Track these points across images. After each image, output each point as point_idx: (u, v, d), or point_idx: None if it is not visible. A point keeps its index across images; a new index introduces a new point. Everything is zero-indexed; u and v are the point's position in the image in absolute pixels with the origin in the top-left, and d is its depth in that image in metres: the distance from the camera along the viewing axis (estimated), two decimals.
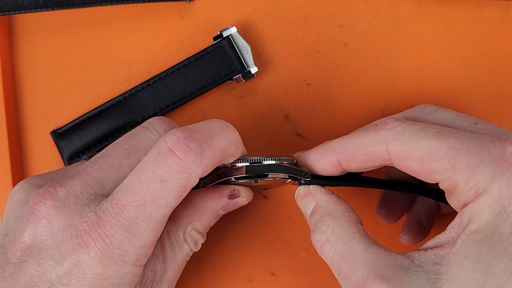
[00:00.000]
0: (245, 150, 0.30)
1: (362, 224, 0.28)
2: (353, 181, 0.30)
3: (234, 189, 0.31)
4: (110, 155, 0.28)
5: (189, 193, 0.29)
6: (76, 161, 0.36)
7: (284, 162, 0.30)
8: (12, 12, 0.34)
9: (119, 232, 0.25)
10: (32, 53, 0.37)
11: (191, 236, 0.30)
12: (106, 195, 0.27)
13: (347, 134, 0.36)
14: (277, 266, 0.36)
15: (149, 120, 0.29)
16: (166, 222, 0.27)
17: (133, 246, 0.26)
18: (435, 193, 0.30)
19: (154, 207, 0.25)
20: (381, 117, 0.36)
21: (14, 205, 0.28)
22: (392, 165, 0.27)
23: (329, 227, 0.27)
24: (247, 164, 0.29)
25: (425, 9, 0.36)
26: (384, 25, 0.36)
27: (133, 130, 0.29)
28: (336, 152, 0.28)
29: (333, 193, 0.29)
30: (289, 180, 0.30)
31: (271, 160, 0.30)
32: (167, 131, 0.28)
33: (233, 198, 0.31)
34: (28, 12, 0.34)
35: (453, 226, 0.25)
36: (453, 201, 0.26)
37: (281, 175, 0.30)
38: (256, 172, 0.29)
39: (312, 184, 0.30)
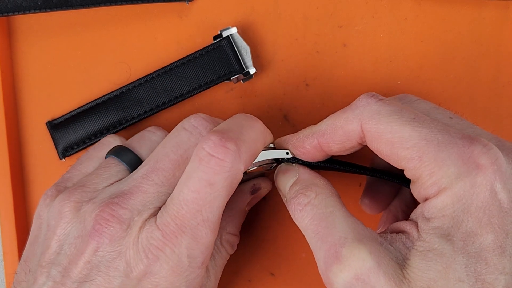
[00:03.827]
0: (271, 135, 0.31)
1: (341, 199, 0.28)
2: (334, 164, 0.30)
3: (254, 184, 0.33)
4: (162, 169, 0.28)
5: None
6: (71, 154, 0.36)
7: (264, 148, 0.30)
8: (11, 13, 0.34)
9: (184, 241, 0.26)
10: (31, 54, 0.37)
11: (227, 240, 0.31)
12: (163, 205, 0.28)
13: None
14: (277, 267, 0.36)
15: (192, 121, 0.30)
16: (220, 220, 0.28)
17: (198, 251, 0.27)
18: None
19: (209, 211, 0.27)
20: None
21: (64, 224, 0.28)
22: (366, 144, 0.27)
23: (313, 192, 0.28)
24: None
25: (424, 9, 0.36)
26: (383, 25, 0.36)
27: (177, 135, 0.29)
28: (316, 135, 0.28)
29: (314, 170, 0.30)
30: (275, 164, 0.31)
31: None
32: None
33: (256, 193, 0.33)
34: (27, 13, 0.34)
35: (417, 216, 0.25)
36: (415, 191, 0.26)
37: (266, 160, 0.30)
38: None
39: (294, 162, 0.30)
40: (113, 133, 0.35)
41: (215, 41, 0.35)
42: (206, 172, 0.26)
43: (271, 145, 0.31)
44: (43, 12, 0.34)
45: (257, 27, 0.36)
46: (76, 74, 0.37)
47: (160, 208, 0.28)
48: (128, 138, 0.33)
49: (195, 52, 0.35)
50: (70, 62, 0.37)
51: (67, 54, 0.37)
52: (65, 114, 0.36)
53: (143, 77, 0.35)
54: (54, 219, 0.29)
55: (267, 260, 0.36)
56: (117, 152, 0.31)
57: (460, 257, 0.23)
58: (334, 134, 0.28)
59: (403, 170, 0.26)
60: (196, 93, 0.35)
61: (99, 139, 0.35)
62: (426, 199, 0.25)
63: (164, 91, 0.35)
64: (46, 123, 0.36)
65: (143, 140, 0.32)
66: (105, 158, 0.32)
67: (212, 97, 0.36)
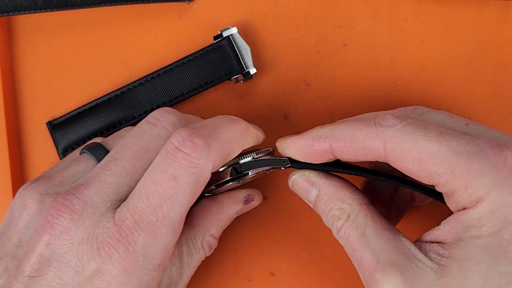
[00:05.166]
0: (260, 135, 0.30)
1: (370, 204, 0.28)
2: (340, 167, 0.29)
3: (248, 194, 0.33)
4: (121, 159, 0.28)
5: (206, 201, 0.31)
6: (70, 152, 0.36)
7: (261, 155, 0.30)
8: (11, 13, 0.34)
9: (140, 238, 0.25)
10: (31, 54, 0.37)
11: (208, 242, 0.31)
12: (122, 200, 0.27)
13: None
14: (277, 267, 0.36)
15: (155, 114, 0.29)
16: (183, 223, 0.27)
17: (155, 250, 0.26)
18: (426, 189, 0.29)
19: (171, 207, 0.26)
20: None
21: (26, 216, 0.27)
22: (386, 161, 0.27)
23: (343, 212, 0.28)
24: (225, 167, 0.30)
25: (424, 9, 0.36)
26: (383, 25, 0.36)
27: (140, 127, 0.29)
28: (330, 139, 0.27)
29: (333, 175, 0.29)
30: (272, 169, 0.30)
31: (248, 156, 0.29)
32: (174, 125, 0.29)
33: (248, 203, 0.32)
34: (27, 13, 0.34)
35: (450, 223, 0.25)
36: (451, 204, 0.26)
37: (262, 169, 0.30)
38: (235, 174, 0.30)
39: (293, 167, 0.29)
40: (114, 133, 0.35)
41: (215, 41, 0.35)
42: (171, 165, 0.26)
43: (271, 149, 0.30)
44: (43, 12, 0.34)
45: (257, 27, 0.36)
46: (76, 74, 0.37)
47: (118, 201, 0.27)
48: None
49: (195, 52, 0.35)
50: (70, 62, 0.37)
51: (67, 54, 0.37)
52: (65, 114, 0.36)
53: (143, 77, 0.35)
54: (18, 210, 0.28)
55: (267, 260, 0.36)
56: (89, 147, 0.30)
57: (499, 265, 0.23)
58: (351, 145, 0.27)
59: (433, 185, 0.26)
60: (196, 93, 0.35)
61: None
62: (463, 209, 0.25)
63: (164, 91, 0.35)
64: (46, 123, 0.36)
65: (118, 138, 0.31)
66: (80, 153, 0.31)
67: (212, 97, 0.36)
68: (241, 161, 0.29)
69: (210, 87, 0.35)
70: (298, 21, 0.36)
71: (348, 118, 0.30)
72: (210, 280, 0.35)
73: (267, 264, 0.36)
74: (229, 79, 0.35)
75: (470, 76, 0.36)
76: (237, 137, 0.29)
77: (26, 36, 0.37)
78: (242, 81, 0.35)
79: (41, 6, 0.34)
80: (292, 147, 0.29)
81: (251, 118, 0.36)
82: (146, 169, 0.27)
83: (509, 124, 0.36)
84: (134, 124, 0.35)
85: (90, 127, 0.35)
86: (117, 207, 0.27)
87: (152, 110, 0.35)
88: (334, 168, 0.29)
